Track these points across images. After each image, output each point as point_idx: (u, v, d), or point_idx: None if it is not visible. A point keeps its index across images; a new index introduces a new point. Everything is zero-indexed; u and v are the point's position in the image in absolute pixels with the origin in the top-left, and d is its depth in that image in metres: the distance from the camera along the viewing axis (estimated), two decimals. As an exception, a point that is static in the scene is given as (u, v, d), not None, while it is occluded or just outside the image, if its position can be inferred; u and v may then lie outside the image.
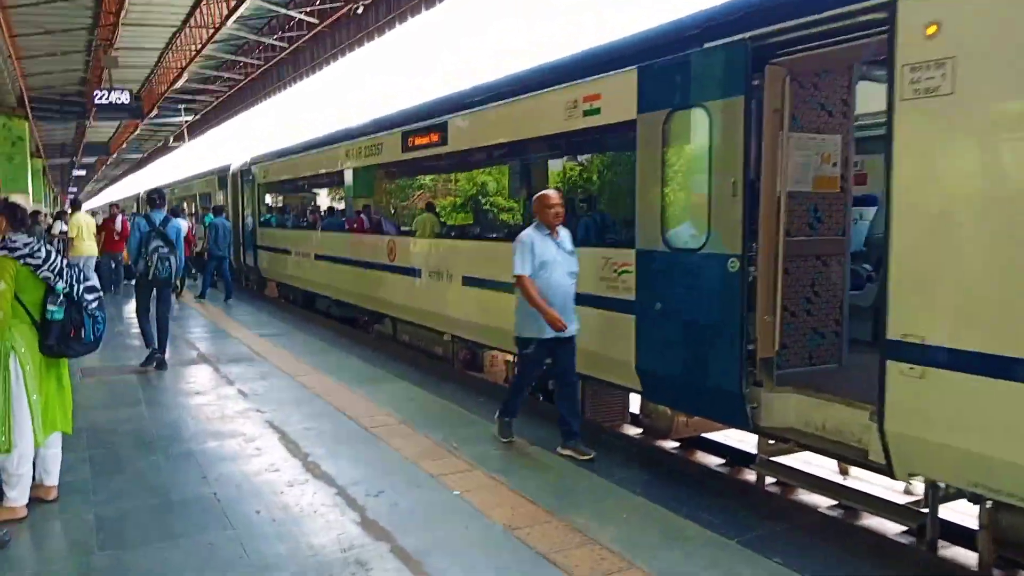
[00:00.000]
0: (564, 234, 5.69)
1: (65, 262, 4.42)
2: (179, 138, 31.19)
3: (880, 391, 4.16)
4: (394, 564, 3.82)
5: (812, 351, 5.70)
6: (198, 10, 14.74)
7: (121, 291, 15.80)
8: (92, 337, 4.41)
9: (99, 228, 15.06)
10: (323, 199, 14.08)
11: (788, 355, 5.49)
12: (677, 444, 7.40)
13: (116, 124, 30.76)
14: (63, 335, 4.32)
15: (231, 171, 19.15)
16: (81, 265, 13.71)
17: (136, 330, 10.31)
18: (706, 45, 5.15)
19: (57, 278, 4.35)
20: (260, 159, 16.85)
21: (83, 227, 13.91)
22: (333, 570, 3.75)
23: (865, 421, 4.53)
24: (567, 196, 7.15)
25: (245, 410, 6.81)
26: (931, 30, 3.74)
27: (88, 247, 13.78)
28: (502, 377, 8.71)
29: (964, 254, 3.71)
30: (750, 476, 6.60)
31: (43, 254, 4.34)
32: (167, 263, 8.37)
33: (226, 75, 22.65)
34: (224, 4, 13.34)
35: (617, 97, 6.03)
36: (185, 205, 23.90)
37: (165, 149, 38.17)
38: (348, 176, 11.97)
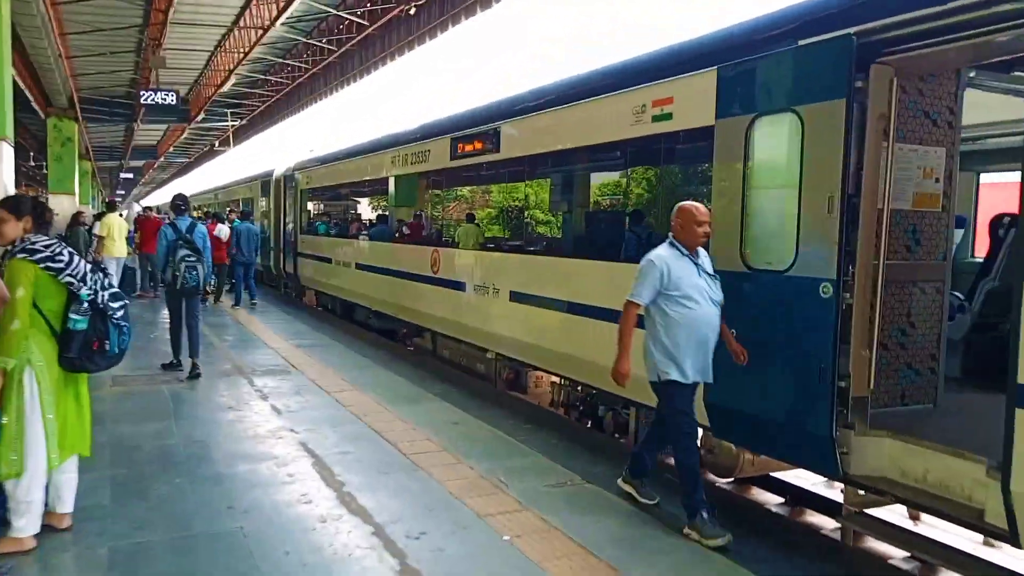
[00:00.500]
0: (704, 255, 4.70)
1: (89, 267, 4.02)
2: (225, 143, 31.35)
3: (1006, 444, 3.56)
4: (439, 627, 3.31)
5: (905, 389, 5.06)
6: (248, 10, 14.56)
7: (160, 294, 15.61)
8: (117, 349, 3.98)
9: (136, 227, 15.00)
10: (366, 207, 13.75)
11: (879, 393, 4.86)
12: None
13: (163, 127, 31.13)
14: (86, 347, 3.90)
15: (274, 176, 19.01)
16: (110, 268, 13.76)
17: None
18: (801, 42, 4.58)
19: (80, 284, 3.95)
20: (303, 165, 16.62)
21: (115, 227, 13.83)
22: (369, 632, 3.25)
23: (980, 476, 3.91)
24: (628, 207, 6.64)
25: (278, 429, 6.38)
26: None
27: (119, 248, 13.66)
28: (547, 400, 8.19)
29: None
30: (817, 519, 5.99)
31: (65, 257, 3.95)
32: (195, 272, 8.18)
33: (273, 79, 22.59)
34: (275, 5, 13.11)
35: (692, 101, 5.49)
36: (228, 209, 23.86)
37: (211, 153, 38.53)
38: (393, 184, 11.60)
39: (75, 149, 21.99)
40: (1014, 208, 6.65)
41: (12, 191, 8.68)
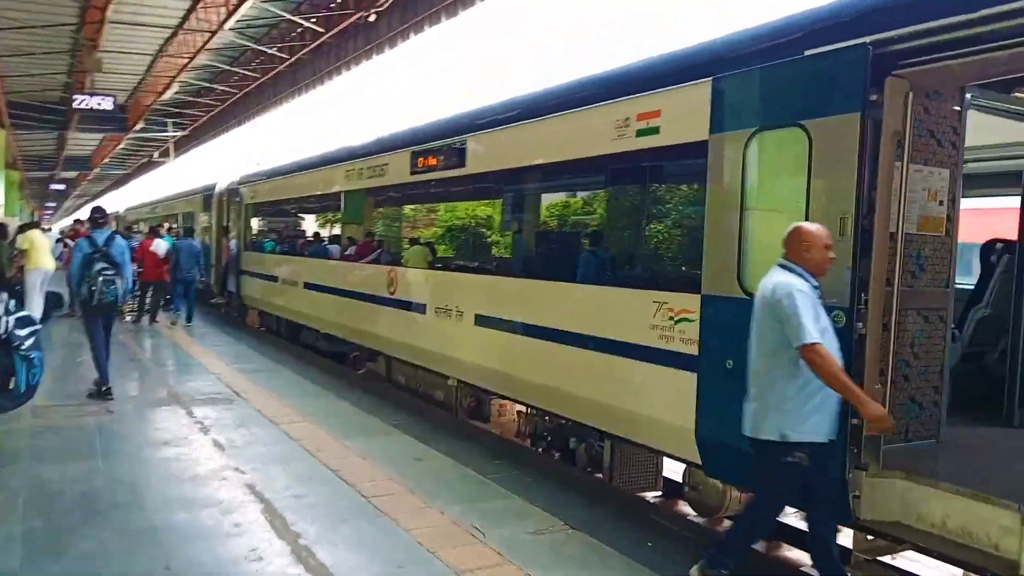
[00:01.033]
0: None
1: None
2: (165, 154, 30.08)
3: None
4: None
5: (908, 424, 4.75)
6: (194, 12, 13.76)
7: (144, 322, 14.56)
8: (25, 387, 3.30)
9: (136, 253, 14.21)
10: (317, 224, 13.07)
11: None
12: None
13: (99, 137, 29.74)
14: None
15: (216, 190, 18.12)
16: (34, 280, 12.73)
17: (116, 368, 9.29)
18: (807, 52, 4.26)
19: None
20: (249, 179, 15.84)
21: (36, 241, 12.82)
22: None
23: (1010, 523, 3.58)
24: (606, 228, 6.23)
25: (221, 468, 5.72)
26: None
27: (45, 260, 12.65)
28: (512, 431, 7.69)
29: None
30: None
31: None
32: (113, 286, 7.62)
33: (219, 87, 21.64)
34: (224, 7, 12.35)
35: (682, 114, 5.13)
36: (166, 225, 22.73)
37: (150, 165, 37.02)
38: (346, 199, 11.00)
39: (1, 157, 20.70)
40: (979, 236, 6.55)
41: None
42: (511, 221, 7.46)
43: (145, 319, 14.58)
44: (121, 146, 31.94)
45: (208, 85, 21.74)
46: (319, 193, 12.09)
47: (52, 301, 12.07)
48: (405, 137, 9.28)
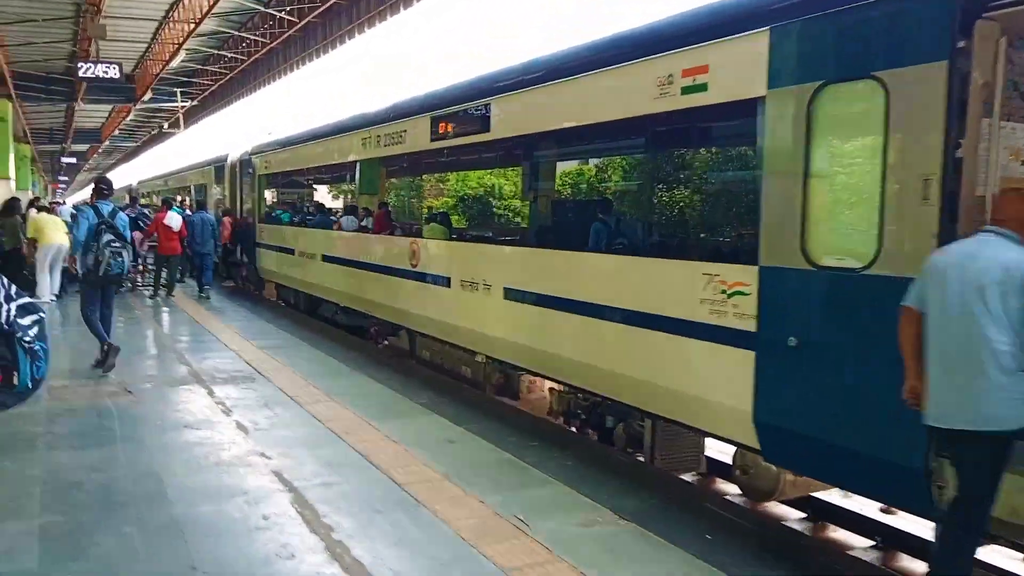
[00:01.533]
0: None
1: None
2: (174, 125, 29.67)
3: None
4: None
5: None
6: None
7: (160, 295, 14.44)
8: (28, 382, 2.96)
9: (150, 227, 14.16)
10: (334, 194, 12.71)
11: None
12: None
13: (108, 108, 29.37)
14: None
15: (229, 161, 17.76)
16: (47, 256, 12.46)
17: (134, 345, 9.09)
18: (881, -6, 3.82)
19: None
20: (262, 148, 15.45)
21: (41, 226, 12.51)
22: None
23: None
24: (646, 194, 5.83)
25: (246, 453, 5.45)
26: None
27: (59, 236, 12.36)
28: (544, 409, 7.39)
29: None
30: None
31: None
32: (120, 258, 7.66)
33: (228, 54, 21.10)
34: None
35: (734, 68, 4.71)
36: (179, 198, 22.44)
37: (160, 137, 36.63)
38: (365, 168, 10.61)
39: (8, 130, 20.40)
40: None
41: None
42: (541, 189, 7.08)
43: (162, 293, 14.38)
44: (130, 117, 31.53)
45: (216, 52, 21.23)
46: (334, 163, 11.69)
47: (68, 277, 11.86)
48: (423, 102, 8.86)
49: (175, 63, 18.18)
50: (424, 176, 9.21)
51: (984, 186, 3.72)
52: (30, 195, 24.16)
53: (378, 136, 9.86)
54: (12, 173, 20.90)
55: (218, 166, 18.87)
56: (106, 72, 16.04)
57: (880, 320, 3.81)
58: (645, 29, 5.81)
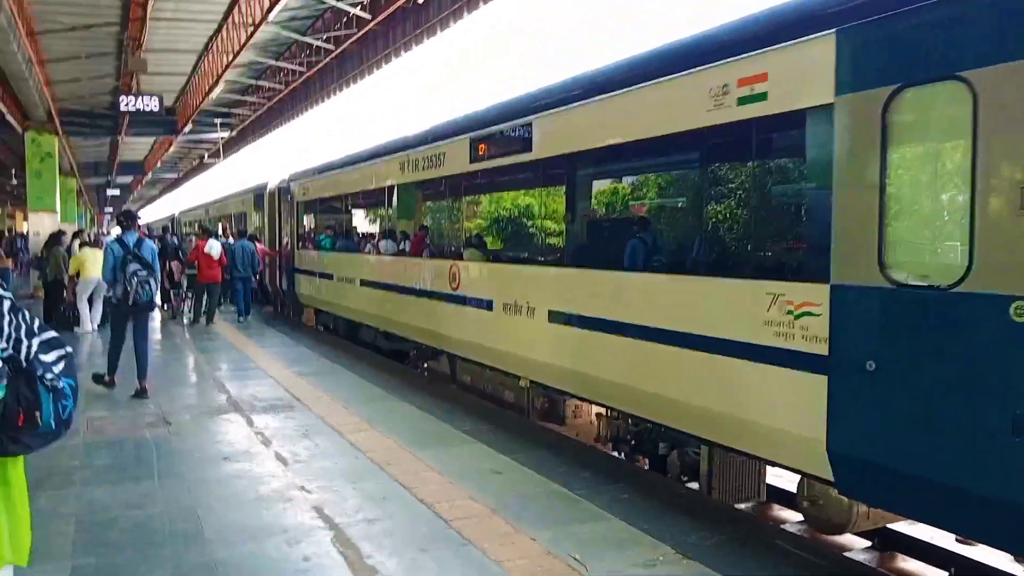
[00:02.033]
0: None
1: (7, 304, 2.71)
2: (215, 155, 30.15)
3: None
4: None
5: None
6: (236, 6, 13.37)
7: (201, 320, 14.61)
8: (53, 424, 2.69)
9: (191, 255, 14.72)
10: (372, 219, 12.60)
11: None
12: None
13: (150, 141, 29.96)
14: (5, 423, 2.63)
15: (268, 189, 17.89)
16: (87, 291, 12.57)
17: (173, 372, 9.09)
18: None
19: None
20: (299, 175, 15.51)
21: (84, 262, 12.70)
22: None
23: None
24: (700, 212, 5.54)
25: (286, 487, 5.24)
26: None
27: (99, 270, 12.51)
28: (591, 435, 7.07)
29: None
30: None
31: None
32: (147, 286, 7.93)
33: (266, 84, 21.38)
34: (266, -1, 11.91)
35: (797, 76, 4.42)
36: (220, 226, 22.71)
37: (201, 167, 37.29)
38: (403, 193, 10.49)
39: (55, 164, 20.84)
40: None
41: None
42: (586, 208, 6.83)
43: (202, 320, 14.43)
44: (172, 149, 32.15)
45: (255, 83, 21.52)
46: (373, 188, 11.60)
47: (110, 307, 11.89)
48: (462, 123, 8.70)
49: (214, 94, 18.42)
50: (464, 198, 9.02)
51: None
52: (75, 227, 24.70)
53: (416, 160, 9.74)
54: (58, 206, 21.31)
55: (257, 194, 19.03)
56: (147, 105, 16.32)
57: (975, 342, 3.48)
58: (695, 39, 5.56)
